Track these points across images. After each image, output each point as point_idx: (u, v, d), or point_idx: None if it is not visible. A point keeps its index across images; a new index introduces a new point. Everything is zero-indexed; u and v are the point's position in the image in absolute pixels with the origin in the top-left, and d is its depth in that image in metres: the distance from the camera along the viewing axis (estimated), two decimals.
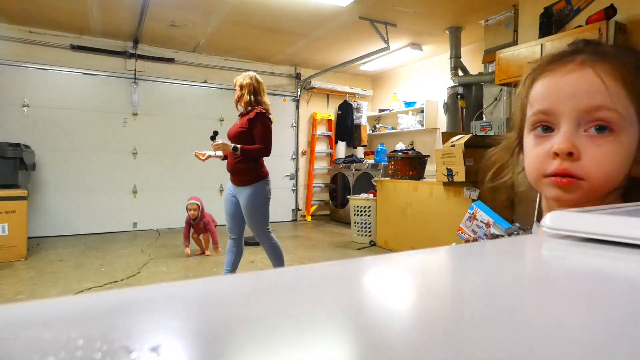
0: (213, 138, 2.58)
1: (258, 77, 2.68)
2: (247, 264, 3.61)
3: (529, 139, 0.55)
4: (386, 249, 4.31)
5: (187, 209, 3.93)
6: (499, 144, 0.65)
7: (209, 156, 2.67)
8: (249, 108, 2.62)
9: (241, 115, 2.68)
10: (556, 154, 0.50)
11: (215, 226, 4.07)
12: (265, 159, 2.65)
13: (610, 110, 0.48)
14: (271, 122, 2.64)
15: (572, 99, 0.50)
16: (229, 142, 2.59)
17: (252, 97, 2.61)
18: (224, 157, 2.70)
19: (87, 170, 5.11)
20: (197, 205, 3.93)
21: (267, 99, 2.69)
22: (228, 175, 2.72)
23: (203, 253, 4.03)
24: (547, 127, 0.52)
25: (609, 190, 0.50)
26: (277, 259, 2.70)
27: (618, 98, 0.48)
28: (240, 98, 2.63)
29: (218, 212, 5.79)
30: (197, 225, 3.94)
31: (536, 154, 0.53)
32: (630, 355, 0.14)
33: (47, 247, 4.30)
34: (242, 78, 2.65)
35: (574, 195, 0.50)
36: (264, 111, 2.61)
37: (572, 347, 0.14)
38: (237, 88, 2.65)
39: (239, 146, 2.53)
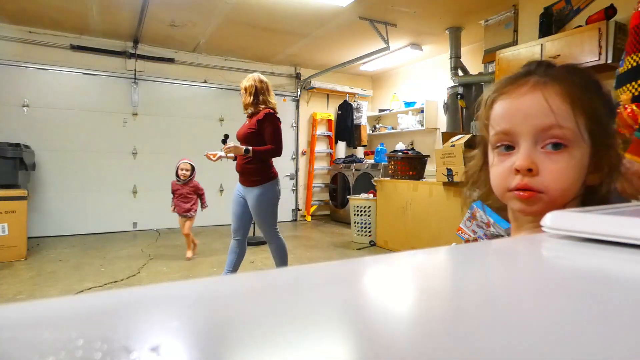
0: (224, 141, 2.59)
1: (262, 77, 2.68)
2: (247, 264, 3.61)
3: (492, 157, 0.60)
4: (386, 249, 4.31)
5: (178, 169, 3.73)
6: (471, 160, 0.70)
7: (220, 157, 2.67)
8: (255, 109, 2.62)
9: (250, 116, 2.67)
10: (517, 171, 0.55)
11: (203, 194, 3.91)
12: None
13: (561, 128, 0.53)
14: (280, 122, 2.65)
15: (527, 119, 0.54)
16: (239, 145, 2.59)
17: (254, 98, 2.61)
18: (235, 158, 2.70)
19: (87, 170, 5.11)
20: (191, 165, 3.77)
21: (273, 98, 2.69)
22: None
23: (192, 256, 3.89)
24: (508, 146, 0.57)
25: (567, 200, 0.55)
26: (282, 259, 2.71)
27: (565, 117, 0.53)
28: (244, 101, 2.64)
29: (218, 212, 5.83)
30: (186, 186, 3.73)
31: (500, 171, 0.58)
32: (630, 355, 0.14)
33: (47, 247, 4.30)
34: (245, 80, 2.65)
35: (536, 207, 0.55)
36: (272, 111, 2.61)
37: (572, 347, 0.14)
38: (242, 91, 2.65)
39: (250, 148, 2.53)
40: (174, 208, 3.83)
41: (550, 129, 0.53)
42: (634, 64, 1.02)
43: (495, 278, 0.24)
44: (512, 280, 0.24)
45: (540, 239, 0.34)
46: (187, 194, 3.79)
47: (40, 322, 0.16)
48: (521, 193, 0.54)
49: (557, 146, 0.54)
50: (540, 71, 0.57)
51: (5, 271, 3.35)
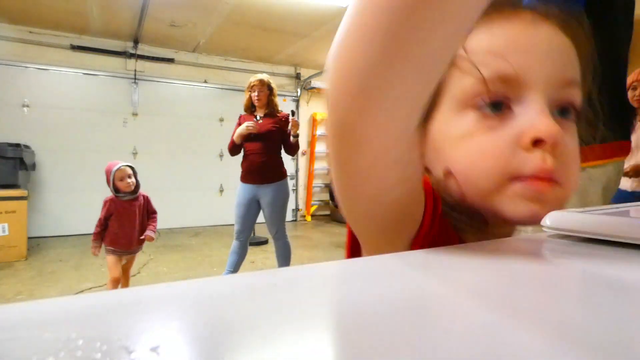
0: (293, 114, 2.79)
1: None
2: (247, 264, 3.61)
3: (463, 121, 0.34)
4: None
5: (114, 178, 2.29)
6: None
7: (250, 131, 2.59)
8: (276, 109, 2.71)
9: (267, 116, 2.68)
10: (537, 142, 0.31)
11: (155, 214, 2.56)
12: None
13: (579, 88, 0.34)
14: None
15: (547, 62, 0.33)
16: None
17: (275, 99, 2.72)
18: (247, 137, 2.59)
19: (87, 170, 5.10)
20: (133, 169, 2.42)
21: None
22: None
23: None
24: (495, 104, 0.33)
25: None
26: (286, 259, 2.74)
27: (578, 72, 0.35)
28: (271, 101, 2.69)
29: (217, 212, 5.82)
30: (135, 202, 2.39)
31: (493, 144, 0.32)
32: (629, 357, 0.14)
33: (47, 247, 4.30)
34: (270, 80, 2.71)
35: (547, 210, 0.32)
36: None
37: (571, 348, 0.14)
38: (267, 90, 2.68)
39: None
40: (109, 242, 2.33)
41: (569, 85, 0.34)
42: None
43: (495, 278, 0.24)
44: (512, 280, 0.24)
45: (540, 239, 0.34)
46: (138, 213, 2.43)
47: (40, 322, 0.16)
48: (538, 183, 0.32)
49: (565, 113, 0.34)
50: None
51: (6, 271, 3.35)
